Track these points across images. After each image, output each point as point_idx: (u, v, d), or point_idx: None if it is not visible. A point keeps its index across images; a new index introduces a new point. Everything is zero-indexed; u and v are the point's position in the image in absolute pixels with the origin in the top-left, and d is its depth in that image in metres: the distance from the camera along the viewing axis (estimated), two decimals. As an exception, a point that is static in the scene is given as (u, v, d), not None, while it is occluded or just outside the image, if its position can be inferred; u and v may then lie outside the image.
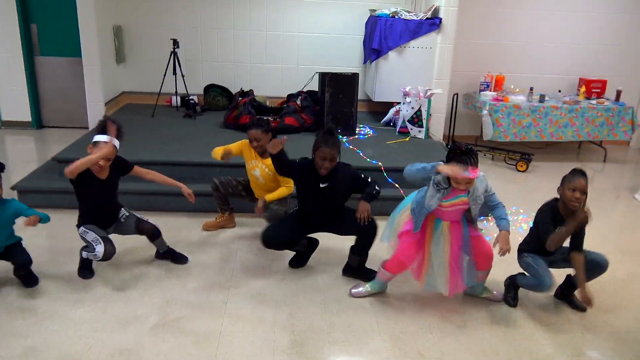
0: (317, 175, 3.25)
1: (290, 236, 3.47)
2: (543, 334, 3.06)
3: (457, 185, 2.95)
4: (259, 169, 3.85)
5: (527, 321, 3.19)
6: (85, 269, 3.42)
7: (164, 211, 4.40)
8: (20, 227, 3.17)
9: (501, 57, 7.05)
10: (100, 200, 3.34)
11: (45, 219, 3.16)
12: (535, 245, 3.18)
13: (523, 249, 3.29)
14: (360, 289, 3.36)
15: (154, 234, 3.51)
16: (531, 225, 3.29)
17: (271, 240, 3.41)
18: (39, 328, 2.87)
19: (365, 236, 3.37)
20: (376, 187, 3.32)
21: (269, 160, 3.73)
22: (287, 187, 3.81)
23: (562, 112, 6.29)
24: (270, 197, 3.75)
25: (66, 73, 6.67)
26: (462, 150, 2.90)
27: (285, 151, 3.16)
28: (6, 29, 6.35)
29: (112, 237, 3.37)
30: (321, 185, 3.27)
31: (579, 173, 3.04)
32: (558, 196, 3.13)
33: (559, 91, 6.94)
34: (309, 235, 3.62)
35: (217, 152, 3.87)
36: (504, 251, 2.99)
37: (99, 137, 3.22)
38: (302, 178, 3.31)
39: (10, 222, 3.21)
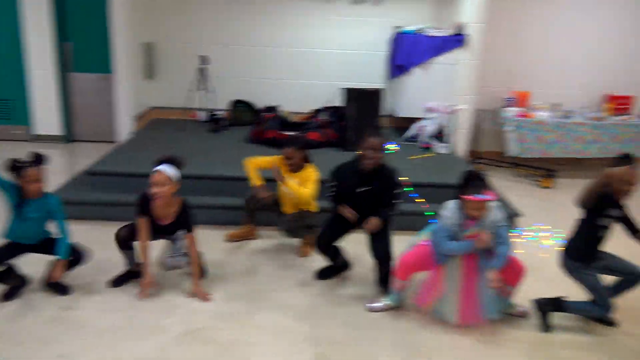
0: (360, 176, 3.39)
1: (335, 235, 3.59)
2: (577, 352, 3.03)
3: (471, 212, 2.98)
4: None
5: (559, 336, 3.15)
6: (118, 279, 3.51)
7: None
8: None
9: (526, 73, 7.01)
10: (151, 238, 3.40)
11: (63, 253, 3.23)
12: (587, 249, 3.04)
13: (579, 257, 3.06)
14: (378, 303, 3.38)
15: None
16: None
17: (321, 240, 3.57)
18: (70, 337, 2.94)
19: (380, 267, 3.49)
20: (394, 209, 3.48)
21: (299, 176, 3.84)
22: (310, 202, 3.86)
23: (587, 129, 6.23)
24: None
25: (96, 89, 6.85)
26: (477, 176, 3.02)
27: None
28: (43, 46, 6.53)
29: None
30: (361, 189, 3.40)
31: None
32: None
33: (584, 107, 6.86)
34: (345, 258, 3.72)
35: (251, 167, 3.97)
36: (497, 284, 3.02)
37: (157, 167, 3.21)
38: (343, 181, 3.46)
39: (45, 219, 3.29)
